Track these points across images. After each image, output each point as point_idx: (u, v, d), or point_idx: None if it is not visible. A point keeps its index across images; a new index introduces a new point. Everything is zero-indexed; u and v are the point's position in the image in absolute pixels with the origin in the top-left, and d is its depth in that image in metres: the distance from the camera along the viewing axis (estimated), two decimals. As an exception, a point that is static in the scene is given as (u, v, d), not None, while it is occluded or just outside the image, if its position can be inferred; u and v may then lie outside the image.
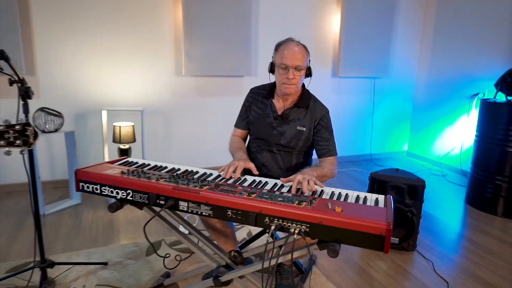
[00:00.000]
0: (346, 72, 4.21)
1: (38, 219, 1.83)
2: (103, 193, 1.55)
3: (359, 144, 4.66)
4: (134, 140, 3.12)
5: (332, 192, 1.48)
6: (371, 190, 2.45)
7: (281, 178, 1.55)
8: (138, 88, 3.48)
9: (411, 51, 4.61)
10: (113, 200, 1.54)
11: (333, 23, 4.13)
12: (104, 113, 3.12)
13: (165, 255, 2.23)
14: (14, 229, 2.59)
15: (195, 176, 1.61)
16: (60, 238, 2.48)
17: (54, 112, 2.81)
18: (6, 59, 1.50)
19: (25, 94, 1.63)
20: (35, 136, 1.19)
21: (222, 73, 3.70)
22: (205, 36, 3.51)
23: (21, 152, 1.19)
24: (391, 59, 4.43)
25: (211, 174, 1.66)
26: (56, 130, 2.82)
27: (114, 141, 3.09)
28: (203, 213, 1.39)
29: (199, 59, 3.53)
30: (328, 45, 4.18)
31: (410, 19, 4.48)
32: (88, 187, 1.59)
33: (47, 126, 2.80)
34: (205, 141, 3.87)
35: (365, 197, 1.44)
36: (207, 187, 1.44)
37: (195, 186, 1.44)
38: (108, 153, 3.22)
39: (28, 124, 1.18)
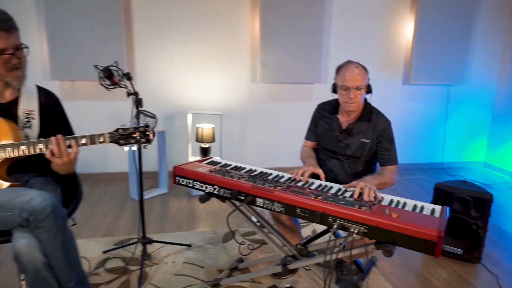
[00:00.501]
0: (418, 80, 4.19)
1: (142, 204, 2.26)
2: (194, 186, 1.90)
3: (429, 152, 4.59)
4: (213, 140, 3.52)
5: (391, 199, 1.66)
6: (435, 200, 2.51)
7: (343, 185, 1.76)
8: (218, 94, 3.90)
9: (491, 57, 4.40)
10: (200, 193, 1.88)
11: (405, 30, 4.14)
12: (190, 116, 3.57)
13: (241, 242, 2.55)
14: (117, 211, 3.13)
15: (270, 177, 1.88)
16: (153, 221, 2.95)
17: (150, 114, 3.30)
18: (130, 78, 1.93)
19: (138, 103, 2.05)
20: (153, 135, 1.57)
21: (294, 80, 3.95)
22: (279, 45, 3.79)
23: (144, 147, 1.57)
24: (468, 66, 4.29)
25: (283, 176, 1.92)
26: (151, 130, 3.32)
27: (196, 140, 3.52)
28: (276, 209, 1.66)
29: (273, 67, 3.83)
30: (399, 53, 4.20)
31: (491, 24, 4.29)
32: (183, 181, 1.95)
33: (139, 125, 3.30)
34: (277, 143, 4.16)
35: (422, 206, 1.59)
36: (280, 187, 1.71)
37: (270, 186, 1.71)
38: (191, 150, 3.67)
39: (148, 126, 1.55)
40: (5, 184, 1.47)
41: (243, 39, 3.83)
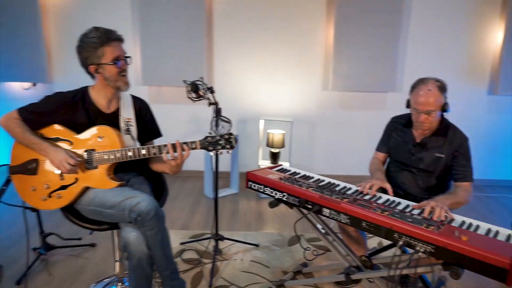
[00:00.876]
0: (506, 90, 3.87)
1: (216, 203, 2.47)
2: (265, 192, 2.05)
3: (517, 169, 4.20)
4: (283, 146, 3.66)
5: (463, 221, 1.62)
6: (517, 223, 2.35)
7: (412, 204, 1.76)
8: (289, 101, 4.02)
9: None
10: (269, 197, 2.01)
11: (493, 36, 3.85)
12: (262, 122, 3.75)
13: (306, 248, 2.65)
14: (192, 206, 3.43)
15: (337, 188, 1.95)
16: (224, 219, 3.18)
17: (226, 119, 3.54)
18: (212, 92, 2.15)
19: (218, 112, 2.25)
20: (236, 141, 1.75)
21: (367, 88, 3.92)
22: (353, 54, 3.79)
23: (228, 152, 1.76)
24: None
25: (350, 188, 1.98)
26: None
27: (267, 145, 3.69)
28: (342, 221, 1.73)
29: (345, 75, 3.84)
30: (485, 61, 3.92)
31: None
32: (254, 186, 2.11)
33: (218, 130, 3.56)
34: (345, 151, 4.16)
35: (497, 231, 1.54)
36: (346, 199, 1.77)
37: (337, 198, 1.79)
38: (262, 154, 3.85)
39: (231, 134, 1.73)
40: (114, 184, 1.74)
41: (316, 48, 3.90)
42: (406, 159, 2.10)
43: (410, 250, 1.53)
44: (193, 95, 2.23)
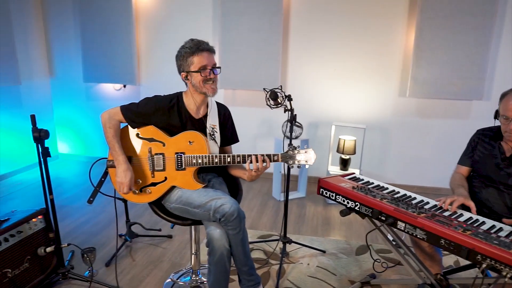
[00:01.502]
0: None
1: (286, 208, 2.53)
2: (337, 200, 2.05)
3: None
4: (354, 153, 3.60)
5: (560, 248, 1.48)
6: None
7: (503, 219, 1.64)
8: (363, 107, 3.94)
9: None
10: (335, 204, 2.01)
11: None
12: (333, 127, 3.73)
13: (376, 259, 2.59)
14: (260, 207, 3.53)
15: (413, 202, 1.89)
16: (291, 222, 3.23)
17: (298, 124, 3.59)
18: (290, 100, 2.22)
19: (293, 119, 2.31)
20: (315, 157, 1.81)
21: (449, 96, 3.68)
22: (435, 59, 3.59)
23: (306, 167, 1.83)
24: None
25: (428, 203, 1.90)
26: (296, 138, 3.61)
27: (337, 151, 3.66)
28: (418, 236, 1.67)
29: (425, 82, 3.65)
30: None
31: None
32: (326, 193, 2.12)
33: (289, 134, 3.61)
34: (421, 161, 3.96)
35: None
36: (424, 214, 1.71)
37: (414, 212, 1.73)
38: (331, 160, 3.83)
39: (310, 149, 1.79)
40: (200, 185, 1.90)
41: (394, 53, 3.77)
42: (493, 174, 1.96)
43: (493, 274, 1.44)
44: (272, 102, 2.31)
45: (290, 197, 3.75)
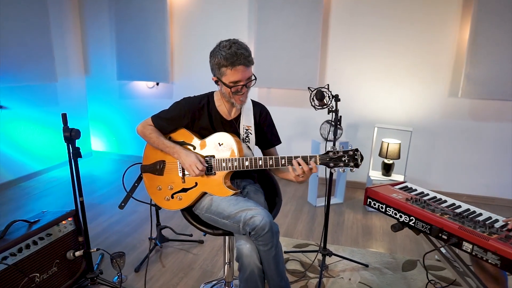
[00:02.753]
0: None
1: (327, 217, 2.32)
2: (387, 212, 1.83)
3: None
4: (398, 157, 3.32)
5: None
6: None
7: None
8: (408, 108, 3.65)
9: None
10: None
11: None
12: (376, 129, 3.46)
13: (430, 280, 2.33)
14: (295, 213, 3.34)
15: (479, 219, 1.63)
16: (329, 230, 3.01)
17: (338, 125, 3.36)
18: (338, 100, 2.01)
19: (338, 121, 2.10)
20: (362, 159, 1.57)
21: (509, 97, 3.32)
22: (492, 57, 3.24)
23: (351, 170, 1.61)
24: None
25: (496, 220, 1.64)
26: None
27: (380, 155, 3.39)
28: (489, 261, 1.43)
29: (481, 81, 3.31)
30: None
31: None
32: (374, 204, 1.90)
33: (328, 136, 3.39)
34: (472, 168, 3.61)
35: None
36: (496, 235, 1.46)
37: (483, 232, 1.48)
38: (372, 165, 3.57)
39: (357, 150, 1.57)
40: (231, 192, 1.73)
41: (444, 49, 3.45)
42: None
43: None
44: (316, 102, 2.11)
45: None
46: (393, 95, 3.66)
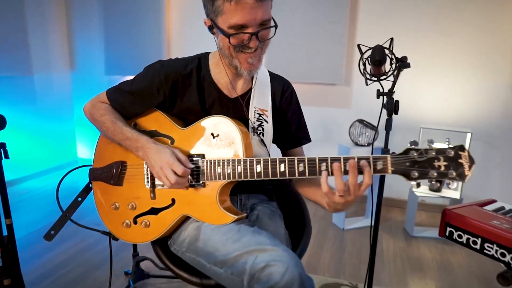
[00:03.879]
0: None
1: (374, 251, 1.60)
2: (485, 251, 1.12)
3: None
4: (451, 167, 2.58)
5: None
6: None
7: None
8: (461, 105, 2.90)
9: None
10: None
11: None
12: (421, 131, 2.72)
13: None
14: (317, 238, 2.60)
15: None
16: (361, 260, 2.28)
17: (371, 125, 2.65)
18: (405, 66, 1.27)
19: (393, 108, 1.39)
20: (472, 164, 0.86)
21: None
22: None
23: (448, 185, 0.91)
24: None
25: None
26: (368, 145, 2.67)
27: (426, 164, 2.66)
28: None
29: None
30: None
31: None
32: (460, 236, 1.19)
33: (359, 139, 2.68)
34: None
35: None
36: None
37: None
38: (415, 176, 2.82)
39: (462, 148, 0.86)
40: (230, 217, 1.02)
41: (507, 35, 2.73)
42: None
43: None
44: (371, 69, 1.38)
45: (354, 224, 2.80)
46: (441, 88, 2.92)
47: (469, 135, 2.58)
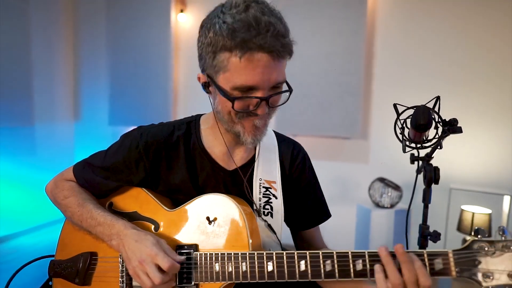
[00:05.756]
0: None
1: None
2: None
3: None
4: (489, 234, 2.26)
5: None
6: None
7: None
8: (497, 162, 2.61)
9: None
10: None
11: None
12: (451, 192, 2.43)
13: None
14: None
15: None
16: None
17: (393, 185, 2.39)
18: (454, 131, 1.02)
19: (433, 177, 1.13)
20: None
21: None
22: None
23: None
24: None
25: None
26: (391, 206, 2.38)
27: (459, 229, 2.34)
28: None
29: None
30: None
31: None
32: None
33: (381, 200, 2.40)
34: None
35: None
36: None
37: None
38: (445, 243, 2.49)
39: None
40: None
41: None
42: None
43: None
44: (411, 134, 1.11)
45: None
46: (473, 143, 2.65)
47: (507, 198, 2.28)
